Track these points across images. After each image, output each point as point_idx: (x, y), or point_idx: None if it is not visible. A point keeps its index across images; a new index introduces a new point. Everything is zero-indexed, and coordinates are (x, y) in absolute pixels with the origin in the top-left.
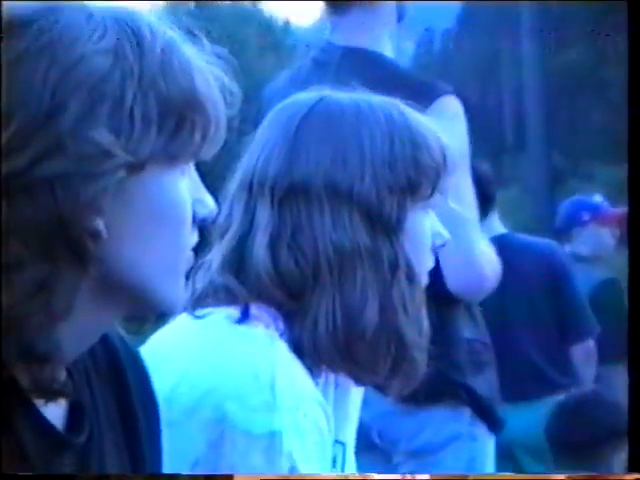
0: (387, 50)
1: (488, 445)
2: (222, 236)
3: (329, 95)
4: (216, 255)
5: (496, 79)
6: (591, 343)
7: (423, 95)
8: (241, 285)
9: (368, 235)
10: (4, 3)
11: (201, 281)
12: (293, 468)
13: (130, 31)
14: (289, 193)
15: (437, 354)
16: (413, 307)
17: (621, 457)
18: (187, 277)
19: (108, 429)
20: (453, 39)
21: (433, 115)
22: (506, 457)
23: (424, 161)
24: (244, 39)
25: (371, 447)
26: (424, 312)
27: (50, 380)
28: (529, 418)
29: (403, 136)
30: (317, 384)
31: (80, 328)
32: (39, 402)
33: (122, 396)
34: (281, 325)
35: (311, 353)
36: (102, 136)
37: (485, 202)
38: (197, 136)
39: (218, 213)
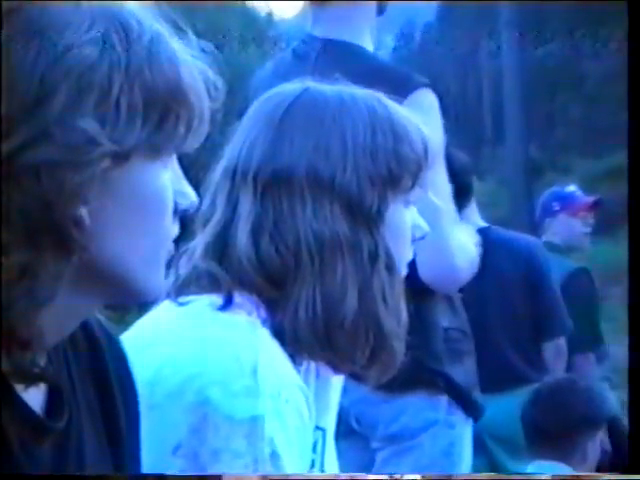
0: (367, 43)
1: (466, 431)
2: (205, 224)
3: (313, 86)
4: (200, 242)
5: (475, 73)
6: (562, 341)
7: (400, 87)
8: (224, 271)
9: (349, 225)
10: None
11: (184, 267)
12: (274, 453)
13: (118, 22)
14: (272, 182)
15: (415, 343)
16: (392, 297)
17: (595, 445)
18: (170, 264)
19: (87, 414)
20: (433, 32)
21: (409, 107)
22: (477, 447)
23: (405, 153)
24: (228, 31)
25: (350, 432)
26: (403, 302)
27: (31, 365)
28: (500, 409)
29: (385, 128)
30: (299, 371)
31: (62, 314)
32: (19, 387)
33: (101, 381)
34: (263, 313)
35: (292, 340)
36: (89, 125)
37: (462, 192)
38: (181, 128)
39: (201, 201)
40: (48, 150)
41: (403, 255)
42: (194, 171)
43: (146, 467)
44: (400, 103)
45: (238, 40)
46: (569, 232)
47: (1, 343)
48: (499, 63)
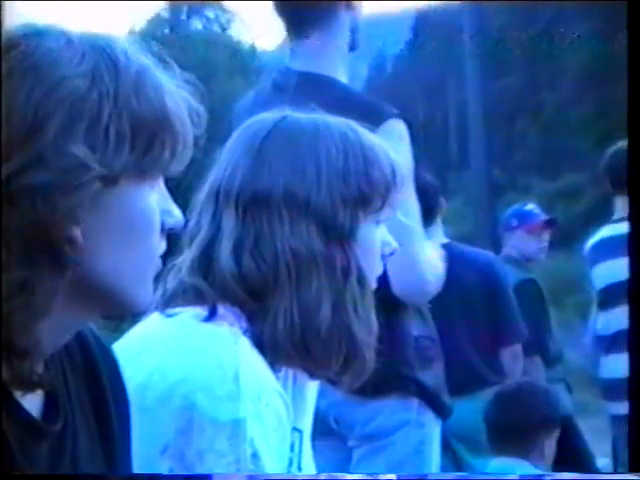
0: (341, 75)
1: (435, 430)
2: (191, 241)
3: (291, 115)
4: (186, 258)
5: (442, 101)
6: (518, 347)
7: (372, 117)
8: (208, 285)
9: (323, 242)
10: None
11: (172, 282)
12: (255, 453)
13: (106, 55)
14: (252, 203)
15: (387, 352)
16: (364, 309)
17: (552, 444)
18: (159, 278)
19: (81, 417)
20: (403, 63)
21: (381, 136)
22: (443, 446)
23: (375, 176)
24: (214, 62)
25: (329, 432)
26: (373, 313)
27: (29, 373)
28: (463, 412)
29: (357, 152)
30: (277, 377)
31: (58, 325)
32: (18, 393)
33: (94, 387)
34: (244, 323)
35: (271, 349)
36: (80, 150)
37: (429, 212)
38: (166, 153)
39: (187, 220)
40: (42, 174)
41: (373, 270)
42: (179, 193)
43: (137, 467)
44: (373, 132)
45: (224, 70)
46: (525, 246)
47: (1, 353)
48: (464, 92)
